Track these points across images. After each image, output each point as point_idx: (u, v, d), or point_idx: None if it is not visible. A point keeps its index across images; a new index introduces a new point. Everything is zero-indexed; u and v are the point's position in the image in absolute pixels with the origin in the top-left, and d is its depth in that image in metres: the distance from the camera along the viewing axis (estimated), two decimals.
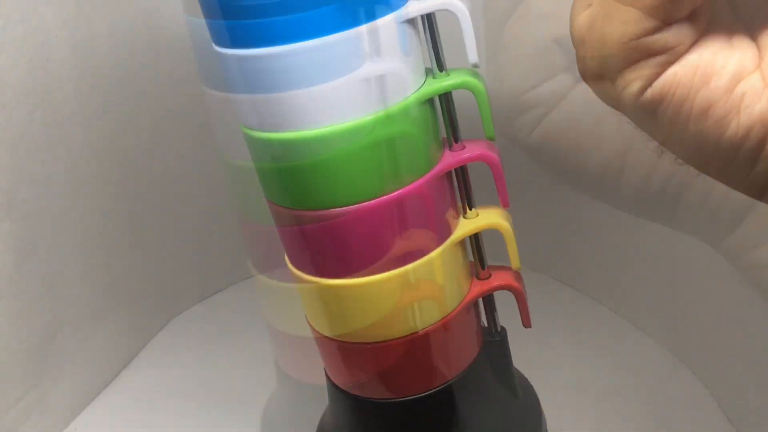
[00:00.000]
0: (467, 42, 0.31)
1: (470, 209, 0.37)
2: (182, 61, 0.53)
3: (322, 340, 0.39)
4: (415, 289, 0.35)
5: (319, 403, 0.44)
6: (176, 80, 0.54)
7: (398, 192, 0.33)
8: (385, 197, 0.32)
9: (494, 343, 0.40)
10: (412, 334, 0.36)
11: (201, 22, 0.31)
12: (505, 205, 0.36)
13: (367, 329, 0.36)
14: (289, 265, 0.38)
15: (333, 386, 0.40)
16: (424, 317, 0.36)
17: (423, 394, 0.37)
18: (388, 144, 0.32)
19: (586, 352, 0.58)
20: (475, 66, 0.32)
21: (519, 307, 0.40)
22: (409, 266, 0.34)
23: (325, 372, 0.41)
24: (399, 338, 0.36)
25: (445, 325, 0.37)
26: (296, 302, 0.38)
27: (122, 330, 0.56)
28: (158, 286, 0.59)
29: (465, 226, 0.36)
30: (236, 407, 0.53)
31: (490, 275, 0.39)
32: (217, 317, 0.63)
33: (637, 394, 0.55)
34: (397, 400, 0.38)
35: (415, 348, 0.37)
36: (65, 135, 0.46)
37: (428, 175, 0.34)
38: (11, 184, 0.42)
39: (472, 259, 0.38)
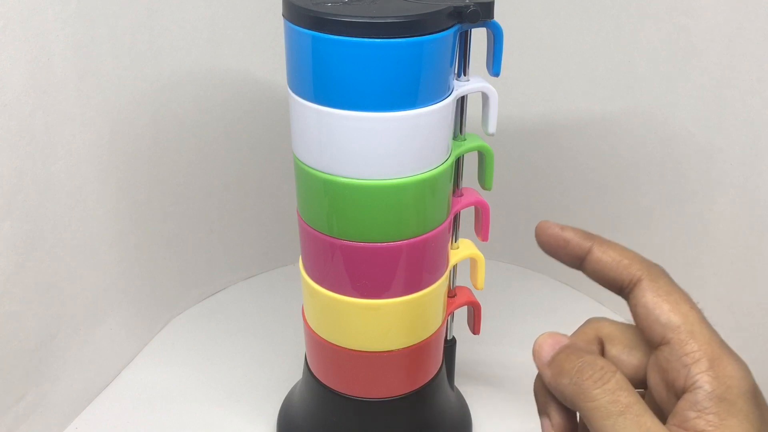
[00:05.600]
0: (491, 115, 0.39)
1: (455, 241, 0.44)
2: (183, 61, 0.54)
3: (316, 339, 0.43)
4: (424, 309, 0.41)
5: (333, 408, 0.45)
6: (177, 80, 0.54)
7: (427, 234, 0.39)
8: (417, 238, 0.38)
9: (446, 348, 0.48)
10: (409, 346, 0.42)
11: (298, 29, 0.34)
12: (486, 240, 0.44)
13: (366, 341, 0.42)
14: (302, 270, 0.43)
15: (312, 377, 0.45)
16: (420, 333, 0.42)
17: (401, 396, 0.44)
18: (425, 197, 0.38)
19: None
20: (491, 135, 0.40)
21: (475, 318, 0.48)
22: (424, 291, 0.40)
23: (305, 360, 0.47)
24: (397, 350, 0.42)
25: (432, 339, 0.43)
26: (332, 311, 0.42)
27: (122, 330, 0.56)
28: (158, 286, 0.59)
29: (454, 255, 0.44)
30: (236, 407, 0.53)
31: (455, 294, 0.46)
32: (217, 317, 0.63)
33: None
34: (382, 399, 0.44)
35: (410, 357, 0.43)
36: (65, 135, 0.46)
37: (447, 220, 0.40)
38: (11, 184, 0.42)
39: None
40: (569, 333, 0.31)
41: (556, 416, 0.29)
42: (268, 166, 0.63)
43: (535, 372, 0.29)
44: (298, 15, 0.34)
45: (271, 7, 0.49)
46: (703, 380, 0.25)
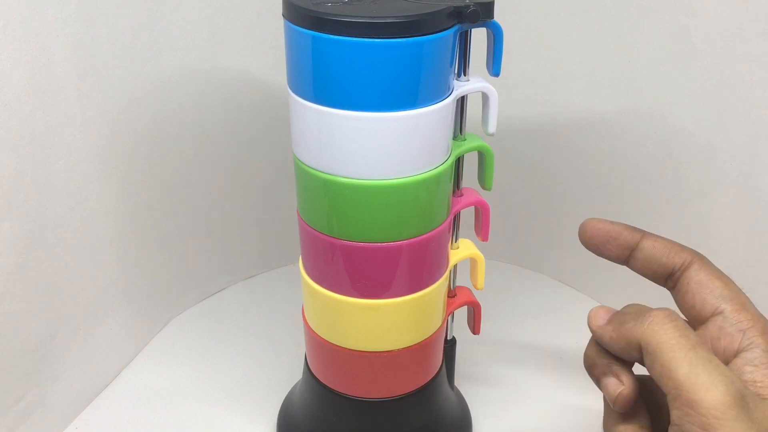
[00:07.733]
0: (491, 115, 0.39)
1: (455, 241, 0.44)
2: (183, 61, 0.54)
3: (316, 339, 0.43)
4: (424, 308, 0.41)
5: (333, 408, 0.45)
6: (177, 80, 0.54)
7: (427, 234, 0.39)
8: (417, 238, 0.38)
9: (446, 348, 0.48)
10: (409, 346, 0.42)
11: (298, 29, 0.34)
12: (486, 240, 0.44)
13: (366, 341, 0.42)
14: (302, 270, 0.43)
15: (312, 377, 0.45)
16: (420, 333, 0.42)
17: (405, 394, 0.44)
18: (425, 197, 0.38)
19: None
20: (491, 135, 0.40)
21: (475, 318, 0.48)
22: (425, 290, 0.40)
23: (305, 360, 0.47)
24: (397, 350, 0.42)
25: (432, 339, 0.43)
26: (332, 311, 0.42)
27: (122, 330, 0.56)
28: (158, 286, 0.59)
29: (454, 255, 0.44)
30: (236, 407, 0.53)
31: (455, 294, 0.46)
32: (217, 317, 0.63)
33: None
34: (382, 399, 0.44)
35: (410, 357, 0.43)
36: (65, 135, 0.46)
37: (448, 220, 0.40)
38: (11, 184, 0.42)
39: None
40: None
41: (623, 373, 0.32)
42: (268, 166, 0.63)
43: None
44: (298, 15, 0.34)
45: (271, 7, 0.49)
46: (759, 341, 0.30)
